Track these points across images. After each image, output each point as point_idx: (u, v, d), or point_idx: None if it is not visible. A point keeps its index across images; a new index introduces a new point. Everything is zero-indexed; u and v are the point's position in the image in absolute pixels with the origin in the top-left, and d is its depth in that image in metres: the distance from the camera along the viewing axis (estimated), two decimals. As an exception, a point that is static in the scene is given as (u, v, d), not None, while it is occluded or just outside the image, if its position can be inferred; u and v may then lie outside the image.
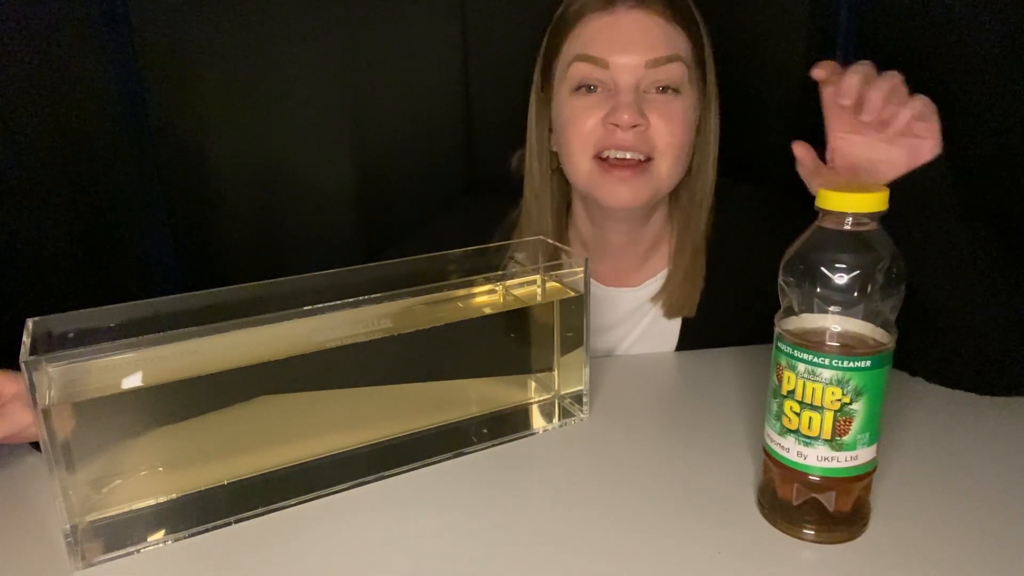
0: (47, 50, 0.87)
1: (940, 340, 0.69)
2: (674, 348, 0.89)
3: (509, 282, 0.72)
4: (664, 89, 0.75)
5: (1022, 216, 0.80)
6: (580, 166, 0.77)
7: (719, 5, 1.04)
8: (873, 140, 0.67)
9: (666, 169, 0.77)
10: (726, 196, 0.85)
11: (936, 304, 0.67)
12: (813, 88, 1.10)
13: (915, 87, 0.94)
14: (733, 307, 0.85)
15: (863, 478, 0.54)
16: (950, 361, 0.72)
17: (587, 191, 0.78)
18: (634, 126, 0.73)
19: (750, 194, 0.86)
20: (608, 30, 0.74)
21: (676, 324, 0.88)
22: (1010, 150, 0.81)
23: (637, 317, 0.89)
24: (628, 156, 0.75)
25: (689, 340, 0.88)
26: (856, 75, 0.64)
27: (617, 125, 0.73)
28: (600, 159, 0.76)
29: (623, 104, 0.73)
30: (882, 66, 0.99)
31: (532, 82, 0.85)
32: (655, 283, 0.88)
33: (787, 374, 0.53)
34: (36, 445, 0.66)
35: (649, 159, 0.76)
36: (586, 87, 0.75)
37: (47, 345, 0.55)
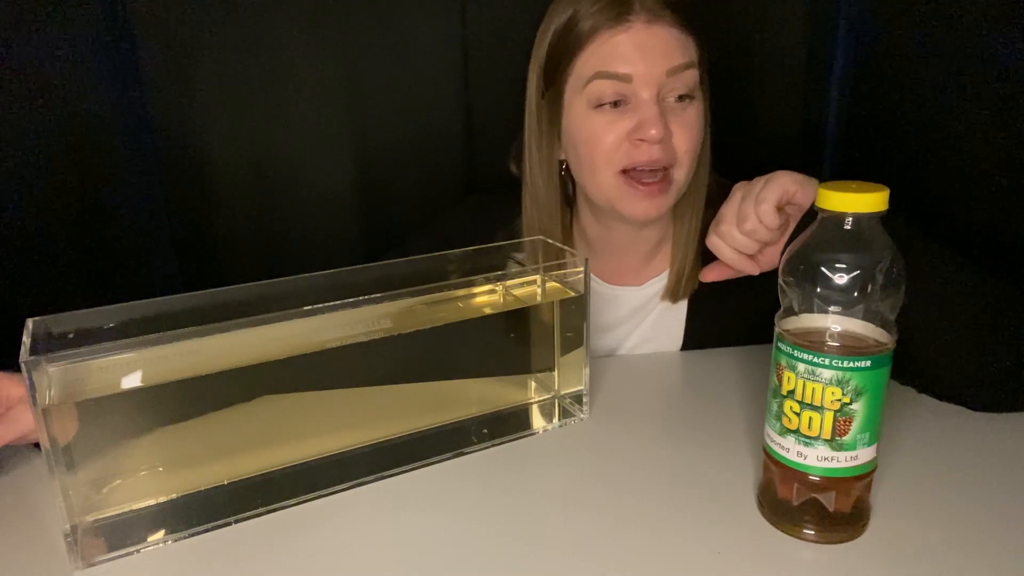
0: (47, 50, 0.87)
1: (926, 357, 0.69)
2: (679, 347, 0.89)
3: (509, 282, 0.72)
4: (681, 97, 0.76)
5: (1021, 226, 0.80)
6: (604, 181, 0.78)
7: (720, 6, 1.04)
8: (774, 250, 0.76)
9: (683, 176, 0.78)
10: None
11: (916, 330, 0.67)
12: (812, 90, 1.10)
13: (914, 88, 0.94)
14: (736, 307, 0.85)
15: (863, 478, 0.54)
16: (936, 377, 0.72)
17: (610, 204, 0.79)
18: (661, 140, 0.74)
19: None
20: (627, 45, 0.74)
21: (680, 323, 0.88)
22: (1010, 151, 0.81)
23: (641, 316, 0.89)
24: (655, 175, 0.76)
25: (694, 339, 0.88)
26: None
27: (644, 140, 0.74)
28: (624, 173, 0.77)
29: (649, 119, 0.74)
30: (882, 66, 0.99)
31: (533, 77, 0.84)
32: (659, 282, 0.88)
33: (787, 374, 0.53)
34: (37, 445, 0.66)
35: (670, 169, 0.77)
36: (610, 104, 0.76)
37: (47, 345, 0.55)
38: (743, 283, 0.82)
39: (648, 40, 0.74)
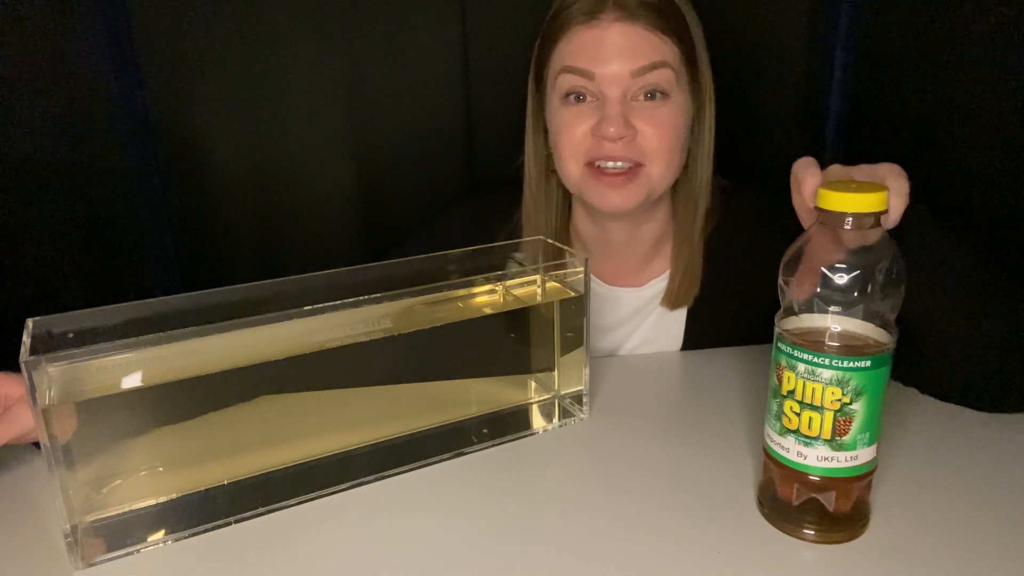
0: (47, 49, 0.87)
1: (928, 355, 0.69)
2: (678, 348, 0.89)
3: (509, 282, 0.72)
4: (652, 95, 0.76)
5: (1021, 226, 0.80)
6: (571, 172, 0.79)
7: (720, 4, 1.04)
8: None
9: (658, 173, 0.78)
10: (732, 197, 0.86)
11: (919, 327, 0.67)
12: (812, 88, 1.10)
13: (915, 90, 0.94)
14: (737, 309, 0.85)
15: (863, 478, 0.54)
16: (939, 377, 0.72)
17: (579, 195, 0.81)
18: (621, 138, 0.75)
19: (756, 196, 0.87)
20: (593, 42, 0.75)
21: (680, 325, 0.88)
22: (1009, 157, 0.81)
23: (641, 317, 0.89)
24: (619, 166, 0.76)
25: (694, 341, 0.88)
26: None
27: (604, 137, 0.75)
28: (591, 166, 0.78)
29: (609, 117, 0.74)
30: (883, 64, 0.99)
31: (531, 72, 0.85)
32: (659, 283, 0.88)
33: (787, 374, 0.53)
34: (37, 444, 0.66)
35: (639, 164, 0.77)
36: (575, 96, 0.77)
37: (47, 345, 0.55)
38: (743, 287, 0.82)
39: (615, 39, 0.74)
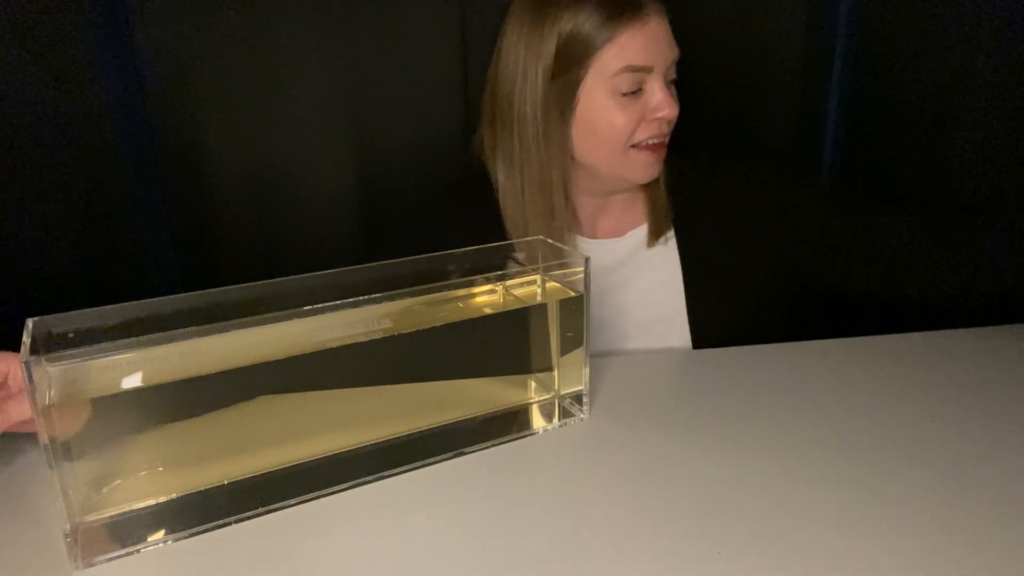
0: (47, 50, 0.87)
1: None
2: (679, 279, 0.93)
3: (509, 282, 0.72)
4: (671, 81, 0.86)
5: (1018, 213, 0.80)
6: (612, 155, 0.85)
7: (719, 6, 1.04)
8: None
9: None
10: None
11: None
12: (812, 88, 1.10)
13: (912, 89, 0.94)
14: (718, 234, 0.92)
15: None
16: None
17: (612, 172, 0.87)
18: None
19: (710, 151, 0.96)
20: (647, 39, 0.82)
21: (675, 255, 0.93)
22: (1005, 149, 0.81)
23: (635, 263, 0.94)
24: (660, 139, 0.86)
25: (693, 267, 0.93)
26: None
27: (661, 119, 0.84)
28: (635, 145, 0.85)
29: (666, 101, 0.83)
30: (882, 63, 0.99)
31: (534, 74, 0.85)
32: (640, 232, 0.94)
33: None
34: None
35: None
36: (634, 91, 0.83)
37: (47, 345, 0.55)
38: (716, 215, 0.91)
39: (659, 32, 0.82)
